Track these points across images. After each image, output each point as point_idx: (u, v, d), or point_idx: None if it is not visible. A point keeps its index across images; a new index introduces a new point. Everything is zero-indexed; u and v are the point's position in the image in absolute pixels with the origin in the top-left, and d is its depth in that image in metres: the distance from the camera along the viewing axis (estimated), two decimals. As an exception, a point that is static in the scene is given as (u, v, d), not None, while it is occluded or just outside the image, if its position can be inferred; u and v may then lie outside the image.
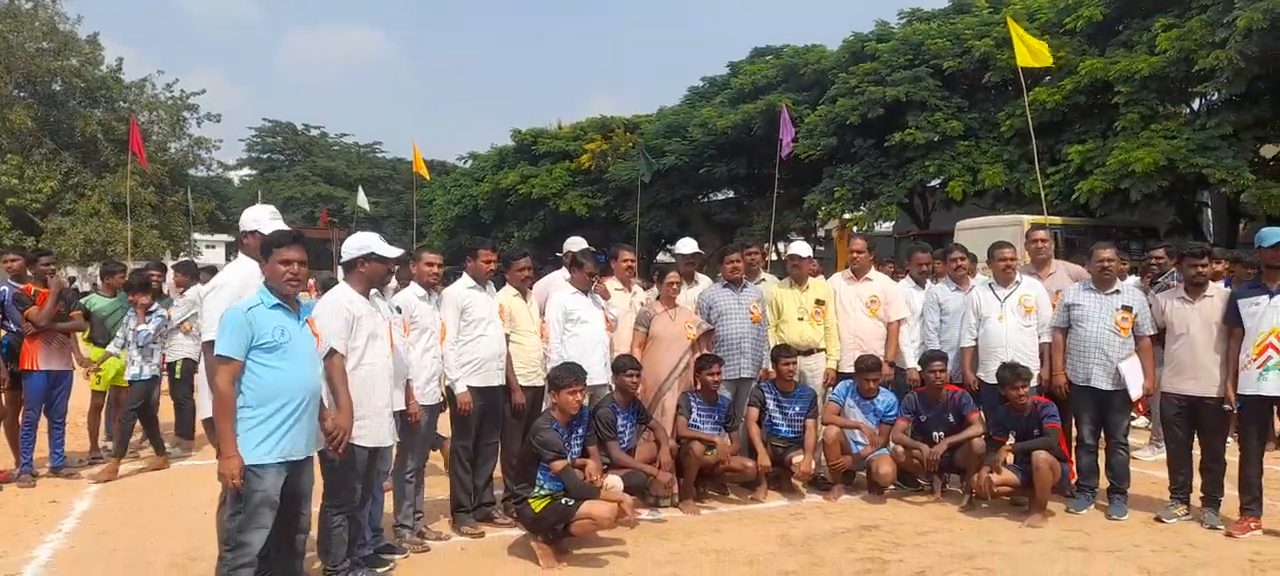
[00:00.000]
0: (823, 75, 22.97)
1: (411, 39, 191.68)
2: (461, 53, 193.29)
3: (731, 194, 30.24)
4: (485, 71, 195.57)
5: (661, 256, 30.75)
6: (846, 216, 22.67)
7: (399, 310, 5.02)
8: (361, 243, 4.58)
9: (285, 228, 4.44)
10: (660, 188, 27.92)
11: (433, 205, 39.25)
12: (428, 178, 30.67)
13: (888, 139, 20.35)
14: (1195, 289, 5.66)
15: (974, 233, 14.11)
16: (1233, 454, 5.68)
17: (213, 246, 34.26)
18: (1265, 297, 5.31)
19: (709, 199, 30.92)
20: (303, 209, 47.85)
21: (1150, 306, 5.94)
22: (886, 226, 25.48)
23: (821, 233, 26.95)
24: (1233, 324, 5.43)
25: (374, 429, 4.43)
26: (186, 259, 13.25)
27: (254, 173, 55.40)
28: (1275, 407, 5.39)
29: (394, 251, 4.56)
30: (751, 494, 6.40)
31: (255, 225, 4.40)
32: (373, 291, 4.69)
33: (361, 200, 30.21)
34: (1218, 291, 5.63)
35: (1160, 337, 5.90)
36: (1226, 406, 5.47)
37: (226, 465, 3.54)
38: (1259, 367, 5.28)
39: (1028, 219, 14.68)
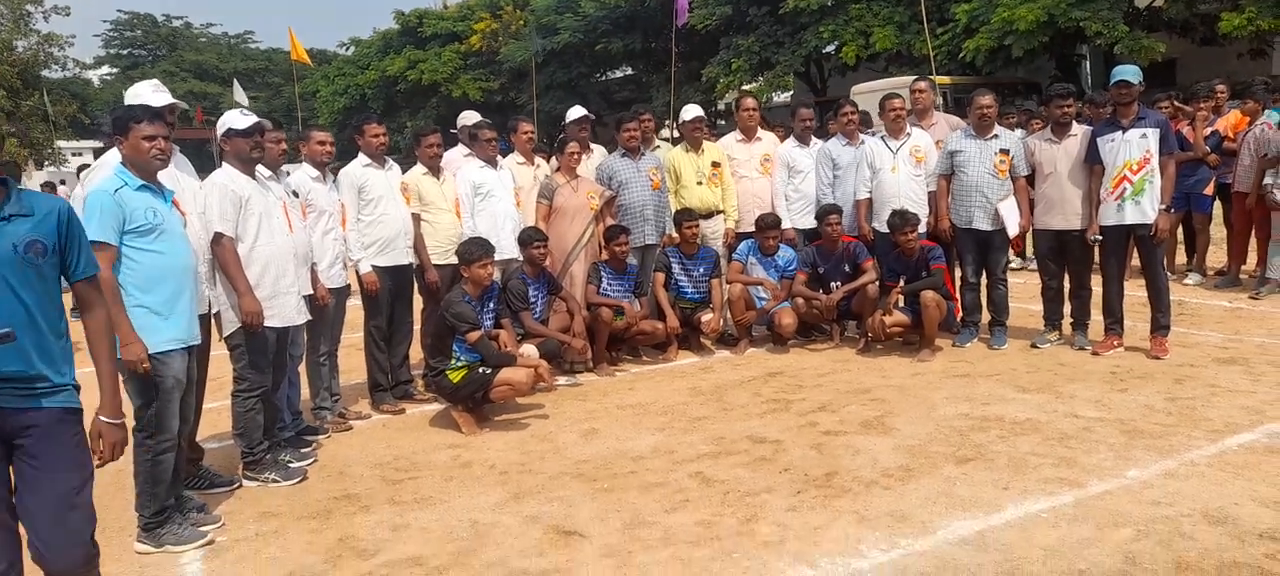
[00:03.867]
0: (716, -60, 22.57)
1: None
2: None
3: (629, 71, 29.90)
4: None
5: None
6: (745, 88, 22.79)
7: (296, 194, 4.89)
8: (221, 121, 4.42)
9: (173, 100, 4.25)
10: (556, 67, 27.37)
11: (317, 97, 37.46)
12: (310, 65, 29.08)
13: (782, 5, 20.36)
14: (1060, 129, 6.02)
15: (868, 96, 14.44)
16: (1099, 284, 6.19)
17: (79, 154, 31.90)
18: (1119, 133, 5.69)
19: (607, 77, 30.52)
20: (187, 105, 44.96)
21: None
22: (784, 96, 25.80)
23: (722, 105, 27.06)
24: (1092, 161, 5.82)
25: (281, 308, 4.38)
26: (48, 180, 12.37)
27: (115, 71, 51.44)
28: (1132, 236, 5.85)
29: (248, 120, 4.34)
30: (663, 354, 6.64)
31: (139, 99, 4.17)
32: (265, 172, 4.57)
33: (238, 95, 28.39)
34: (1080, 131, 6.00)
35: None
36: (1091, 238, 5.92)
37: (130, 352, 3.42)
38: (1116, 199, 5.72)
39: (930, 79, 15.13)
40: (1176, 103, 8.31)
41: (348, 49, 38.96)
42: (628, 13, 24.60)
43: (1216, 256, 8.71)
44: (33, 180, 23.16)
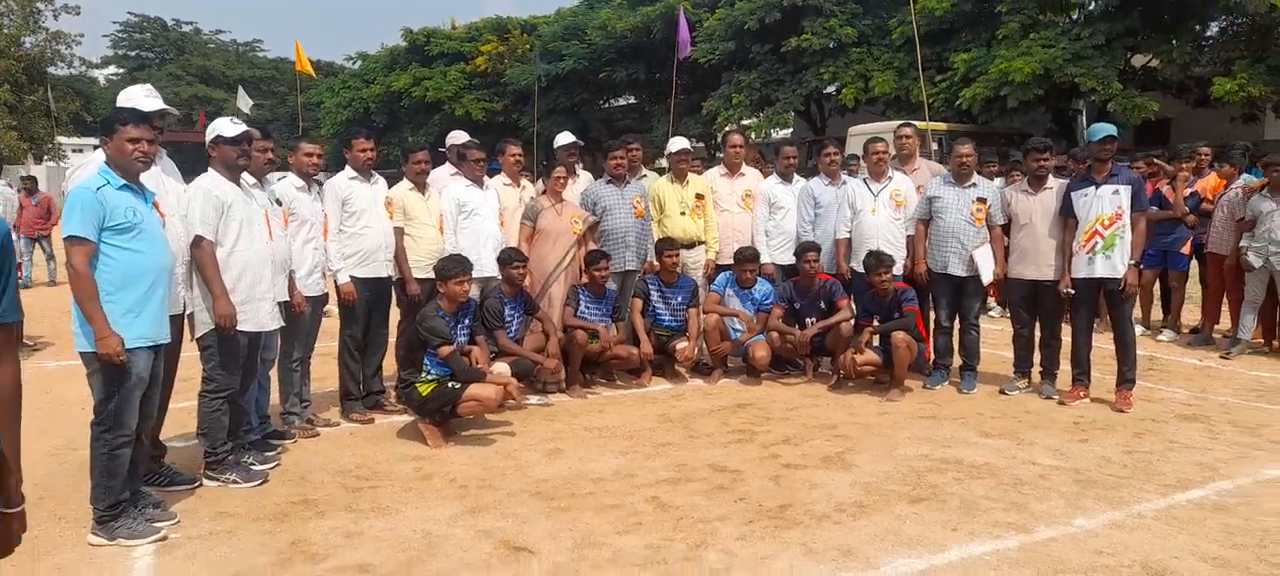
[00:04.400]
0: (722, -23, 22.92)
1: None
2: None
3: (632, 99, 30.14)
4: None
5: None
6: (744, 123, 23.01)
7: (279, 202, 4.97)
8: (210, 127, 4.50)
9: (164, 106, 4.33)
10: (559, 92, 27.61)
11: (321, 108, 37.70)
12: (314, 77, 29.32)
13: (784, 44, 20.63)
14: (1037, 182, 6.13)
15: (864, 138, 14.59)
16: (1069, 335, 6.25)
17: (79, 149, 32.05)
18: (1093, 189, 5.80)
19: (609, 104, 30.74)
20: (177, 110, 45.26)
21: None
22: (784, 133, 26.04)
23: (720, 138, 27.22)
24: (1067, 215, 5.92)
25: (255, 313, 4.44)
26: (30, 174, 12.33)
27: (122, 71, 51.82)
28: (1102, 289, 5.94)
29: (237, 129, 4.43)
30: (637, 380, 6.70)
31: (130, 103, 4.26)
32: (250, 180, 4.66)
33: (242, 101, 28.66)
34: (1056, 184, 6.11)
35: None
36: (1063, 290, 6.00)
37: (106, 345, 3.51)
38: (1088, 253, 5.81)
39: (916, 124, 15.31)
40: (1157, 161, 8.44)
41: (355, 63, 39.31)
42: (633, 44, 24.88)
43: (1192, 314, 8.81)
44: (30, 169, 23.18)
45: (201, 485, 4.36)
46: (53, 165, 28.77)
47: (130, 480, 3.73)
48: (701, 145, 25.62)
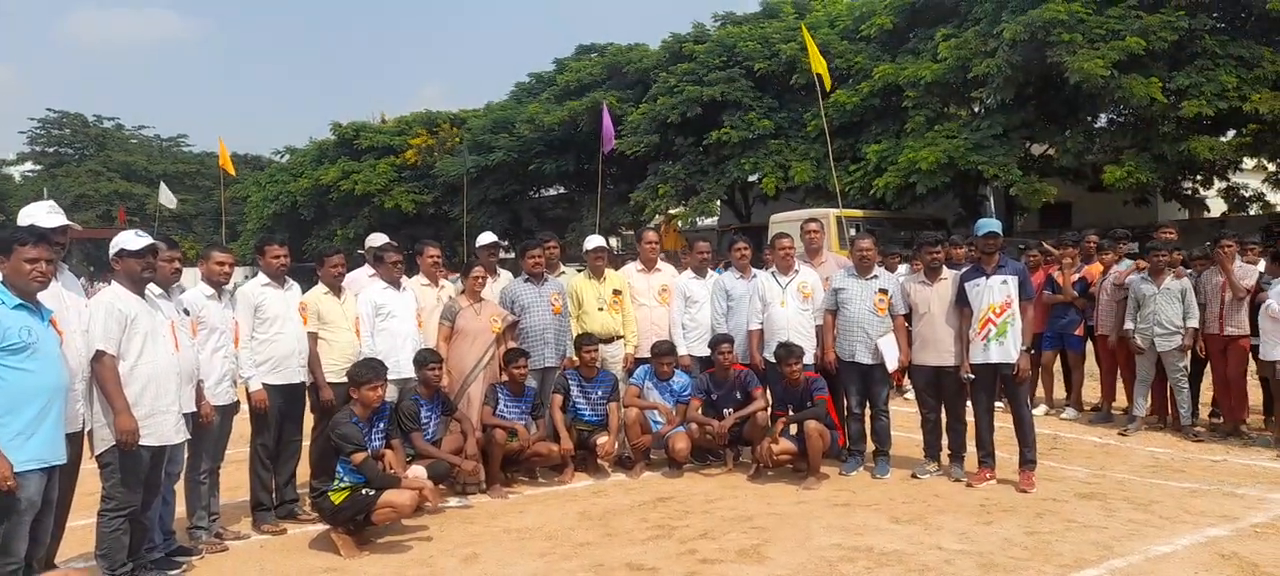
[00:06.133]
0: (645, 74, 23.69)
1: (220, 20, 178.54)
2: (275, 38, 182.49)
3: (561, 190, 30.55)
4: (303, 60, 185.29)
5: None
6: (671, 212, 23.53)
7: (187, 312, 4.95)
8: (114, 241, 4.49)
9: (66, 222, 4.33)
10: (489, 183, 27.84)
11: (247, 202, 37.21)
12: (233, 174, 28.93)
13: (706, 137, 21.33)
14: (932, 273, 6.48)
15: (786, 225, 15.09)
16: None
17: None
18: (983, 279, 6.17)
19: (539, 194, 31.08)
20: (97, 207, 44.07)
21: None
22: (710, 221, 26.66)
23: (653, 226, 27.66)
24: (961, 305, 6.26)
25: (158, 427, 4.36)
26: None
27: (39, 168, 50.40)
28: (998, 373, 6.24)
29: (142, 242, 4.41)
30: (559, 476, 6.70)
31: (31, 220, 4.24)
32: (156, 291, 4.63)
33: (165, 197, 28.13)
34: (950, 275, 6.46)
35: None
36: (964, 375, 6.29)
37: None
38: (982, 339, 6.14)
39: (833, 212, 15.95)
40: (1047, 246, 8.97)
41: (283, 157, 39.04)
42: (561, 136, 25.35)
43: (1093, 392, 9.24)
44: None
45: (97, 610, 4.20)
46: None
47: (19, 611, 3.60)
48: (631, 233, 26.02)
